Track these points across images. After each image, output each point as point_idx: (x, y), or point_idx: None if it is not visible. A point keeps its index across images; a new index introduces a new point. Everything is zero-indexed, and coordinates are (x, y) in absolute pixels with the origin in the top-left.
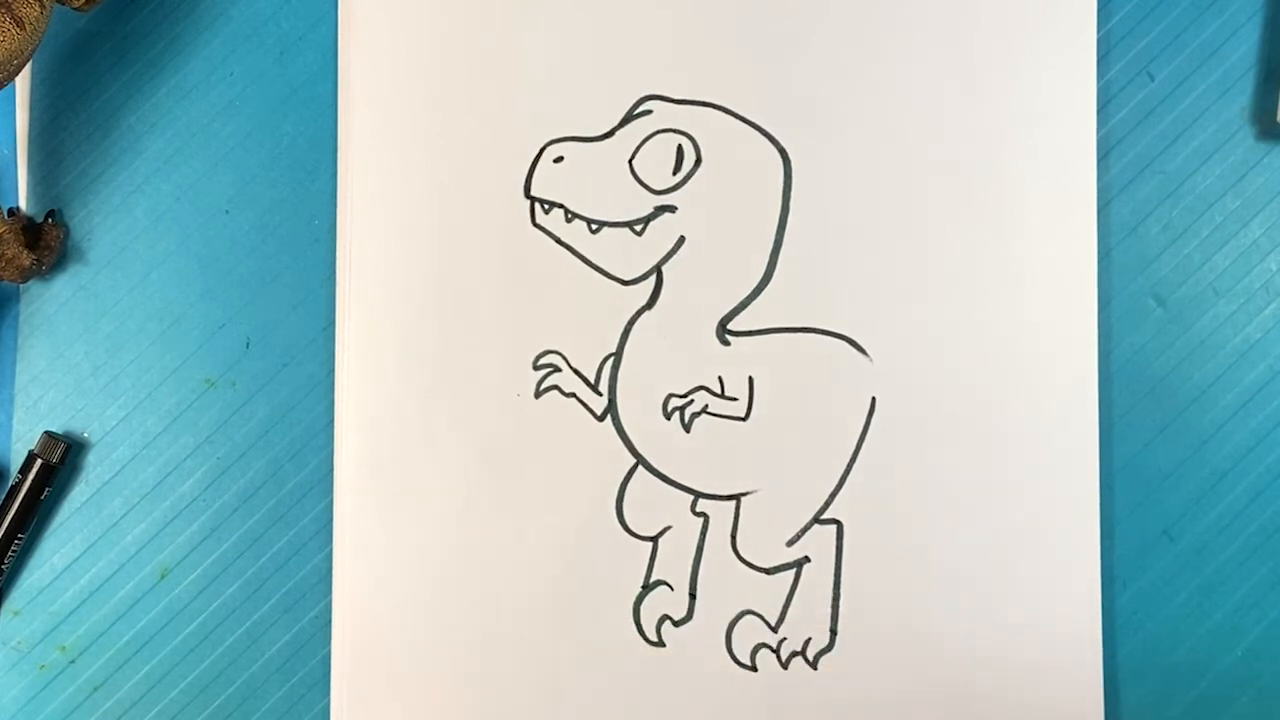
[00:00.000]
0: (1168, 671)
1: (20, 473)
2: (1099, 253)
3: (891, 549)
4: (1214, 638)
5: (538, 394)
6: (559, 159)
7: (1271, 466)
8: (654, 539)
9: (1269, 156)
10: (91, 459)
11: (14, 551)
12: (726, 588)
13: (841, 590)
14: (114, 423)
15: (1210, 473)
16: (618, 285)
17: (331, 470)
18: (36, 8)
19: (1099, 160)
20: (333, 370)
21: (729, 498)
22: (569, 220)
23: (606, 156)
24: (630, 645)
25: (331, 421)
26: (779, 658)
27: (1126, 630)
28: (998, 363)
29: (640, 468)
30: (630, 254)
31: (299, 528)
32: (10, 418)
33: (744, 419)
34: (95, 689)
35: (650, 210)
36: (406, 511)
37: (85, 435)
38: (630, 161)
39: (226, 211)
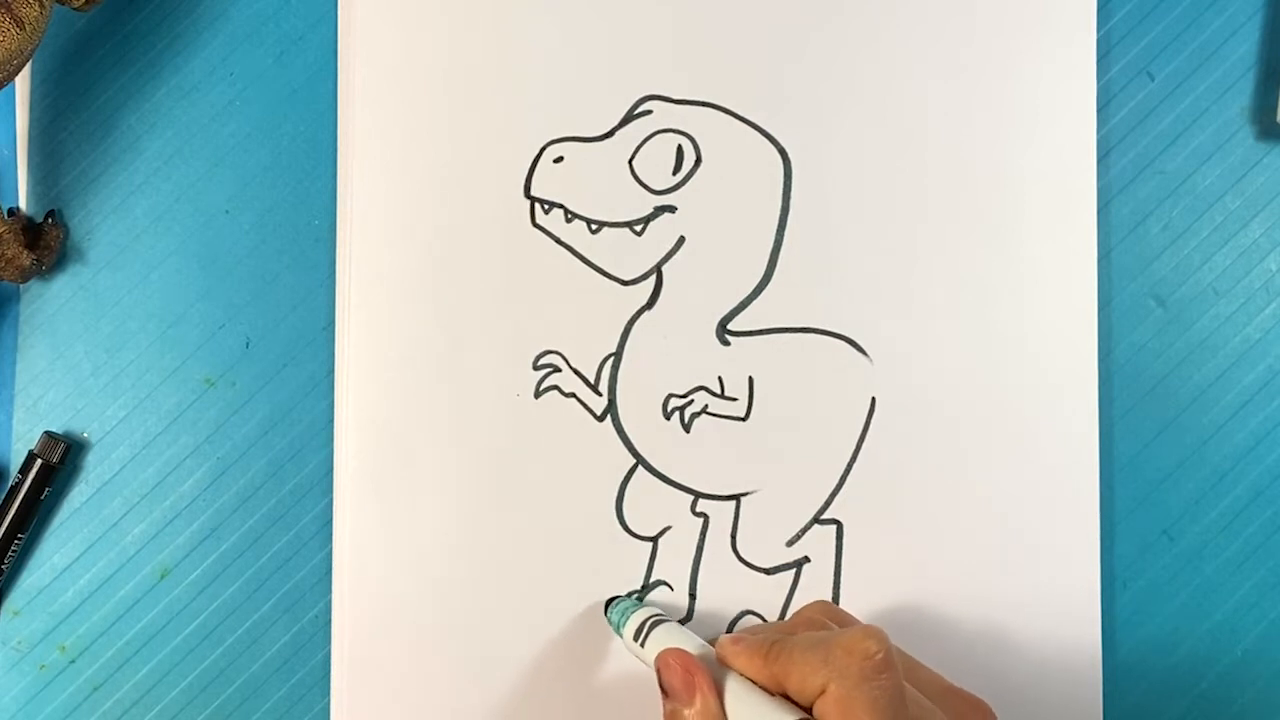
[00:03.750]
0: (1168, 671)
1: (20, 473)
2: (1099, 253)
3: (891, 549)
4: (1214, 638)
5: (538, 394)
6: (559, 159)
7: (1271, 466)
8: (654, 539)
9: (1269, 156)
10: (91, 459)
11: (14, 551)
12: (726, 588)
13: (841, 590)
14: (114, 423)
15: (1210, 473)
16: (618, 285)
17: (331, 470)
18: (36, 8)
19: (1099, 160)
20: (333, 370)
21: (729, 498)
22: (569, 220)
23: (606, 156)
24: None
25: (331, 421)
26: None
27: (1126, 630)
28: (998, 363)
29: (640, 468)
30: (630, 254)
31: (299, 528)
32: (10, 418)
33: (744, 419)
34: (95, 689)
35: (650, 210)
36: (406, 511)
37: (85, 435)
38: (630, 161)
39: (226, 211)
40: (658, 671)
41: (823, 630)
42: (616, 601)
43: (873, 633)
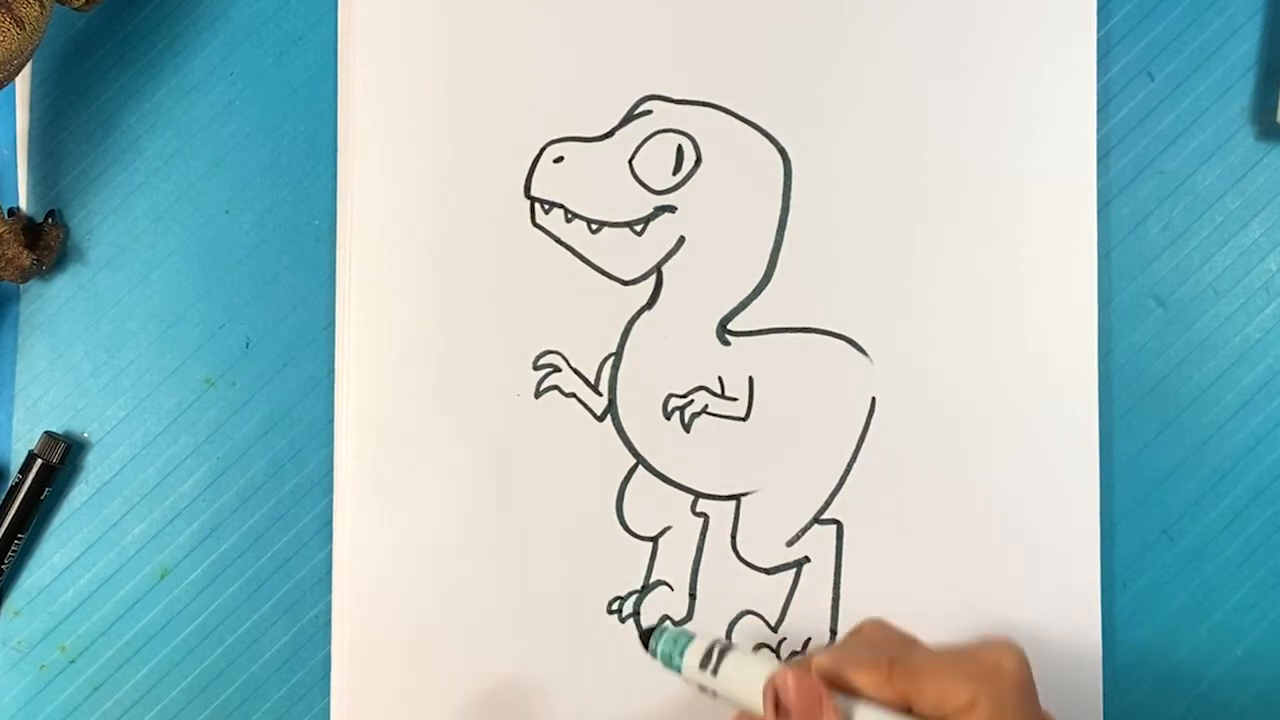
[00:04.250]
0: (1168, 671)
1: (20, 473)
2: (1099, 253)
3: (891, 549)
4: (1214, 638)
5: (538, 394)
6: (559, 159)
7: (1271, 466)
8: (654, 539)
9: (1269, 156)
10: (91, 459)
11: (14, 551)
12: (726, 588)
13: (841, 590)
14: (114, 423)
15: (1210, 473)
16: (618, 285)
17: (331, 470)
18: (36, 8)
19: (1099, 160)
20: (333, 370)
21: (729, 498)
22: (569, 220)
23: (606, 156)
24: (630, 645)
25: (331, 421)
26: (779, 658)
27: (1126, 630)
28: (998, 363)
29: (640, 468)
30: (630, 254)
31: (299, 528)
32: (10, 418)
33: (744, 419)
34: (95, 689)
35: (650, 210)
36: (406, 511)
37: (85, 435)
38: (630, 161)
39: (226, 211)
40: (774, 692)
41: (898, 645)
42: (660, 631)
43: (1014, 645)
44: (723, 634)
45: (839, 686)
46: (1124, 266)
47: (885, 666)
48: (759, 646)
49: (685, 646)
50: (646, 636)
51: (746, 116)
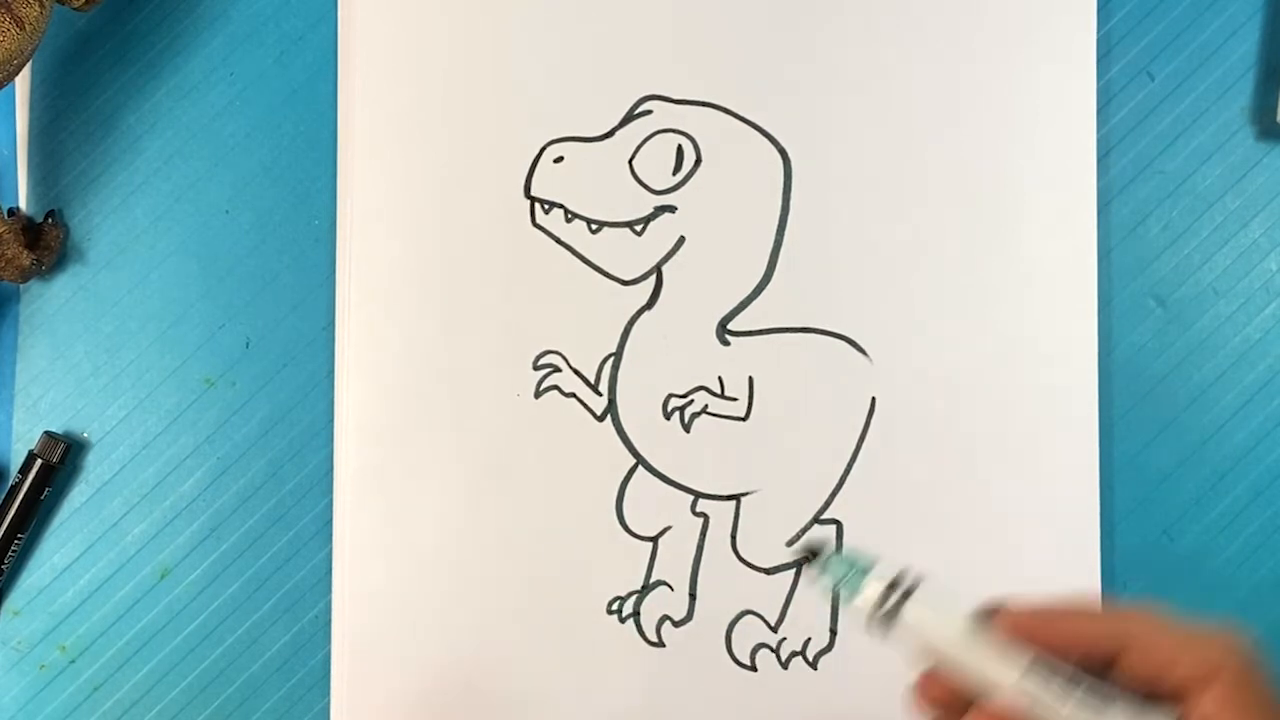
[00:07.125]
0: None
1: (20, 473)
2: (1099, 253)
3: (891, 549)
4: None
5: (538, 394)
6: (559, 159)
7: (1271, 466)
8: (654, 539)
9: (1269, 156)
10: (91, 459)
11: (14, 551)
12: (727, 588)
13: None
14: (114, 423)
15: (1210, 473)
16: (618, 285)
17: (331, 470)
18: (36, 8)
19: (1099, 160)
20: (333, 370)
21: (729, 498)
22: (569, 220)
23: (606, 156)
24: (630, 645)
25: (331, 421)
26: (779, 658)
27: None
28: (998, 363)
29: (640, 468)
30: (630, 254)
31: (299, 528)
32: (10, 418)
33: (744, 419)
34: (95, 689)
35: (650, 210)
36: (406, 511)
37: (85, 435)
38: (630, 161)
39: (226, 211)
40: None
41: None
42: (832, 556)
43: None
44: (722, 634)
45: (1040, 637)
46: (1124, 266)
47: (1091, 617)
48: (759, 647)
49: (859, 583)
50: (807, 559)
51: (746, 116)
